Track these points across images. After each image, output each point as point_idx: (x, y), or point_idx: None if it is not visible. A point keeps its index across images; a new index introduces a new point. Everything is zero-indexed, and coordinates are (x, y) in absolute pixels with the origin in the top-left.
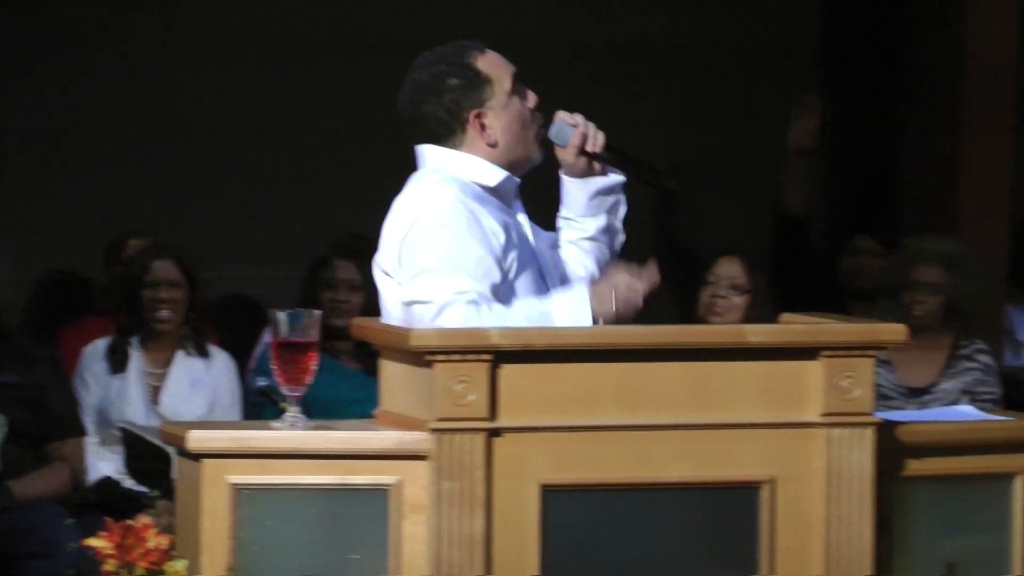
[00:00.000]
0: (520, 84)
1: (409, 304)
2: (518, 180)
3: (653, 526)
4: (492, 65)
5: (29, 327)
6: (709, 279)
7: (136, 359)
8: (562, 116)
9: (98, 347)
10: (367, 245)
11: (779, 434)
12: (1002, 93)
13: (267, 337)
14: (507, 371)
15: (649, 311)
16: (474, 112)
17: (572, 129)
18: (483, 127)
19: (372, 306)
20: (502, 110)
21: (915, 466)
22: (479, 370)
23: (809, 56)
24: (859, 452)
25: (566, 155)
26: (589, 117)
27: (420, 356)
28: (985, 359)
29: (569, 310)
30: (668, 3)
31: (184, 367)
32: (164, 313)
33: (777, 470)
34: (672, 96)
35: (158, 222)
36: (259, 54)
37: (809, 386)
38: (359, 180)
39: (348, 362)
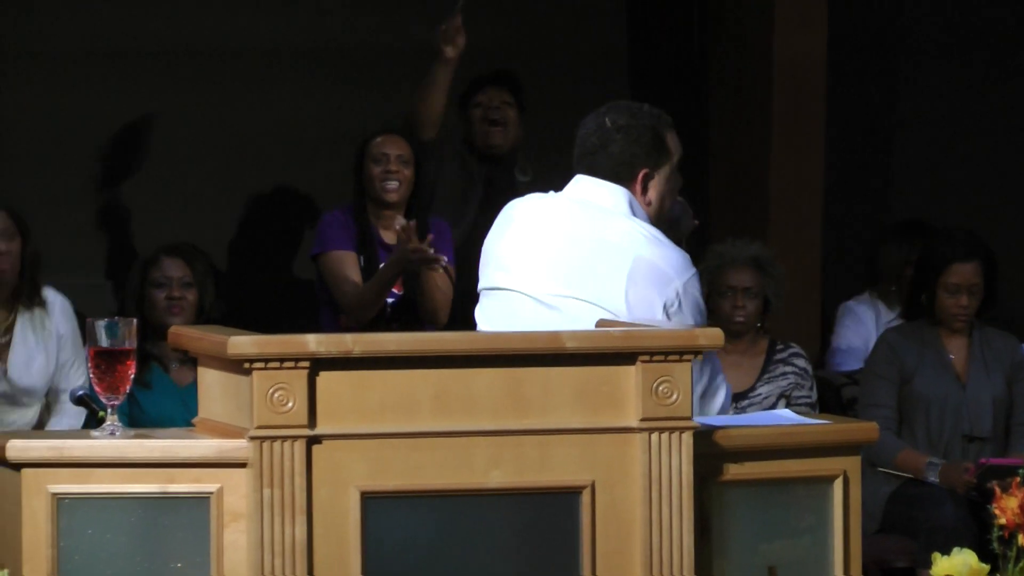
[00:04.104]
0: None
1: None
2: None
3: (474, 533)
4: (673, 142)
5: None
6: None
7: None
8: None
9: None
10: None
11: (597, 439)
12: (810, 101)
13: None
14: (325, 378)
15: None
16: (644, 171)
17: (690, 217)
18: (645, 187)
19: (207, 304)
20: (665, 180)
21: (734, 470)
22: (297, 377)
23: (618, 64)
24: (678, 457)
25: (680, 235)
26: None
27: (238, 364)
28: (801, 363)
29: None
30: (475, 11)
31: (26, 327)
32: (3, 264)
33: (596, 475)
34: None
35: None
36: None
37: (627, 391)
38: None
39: (179, 374)
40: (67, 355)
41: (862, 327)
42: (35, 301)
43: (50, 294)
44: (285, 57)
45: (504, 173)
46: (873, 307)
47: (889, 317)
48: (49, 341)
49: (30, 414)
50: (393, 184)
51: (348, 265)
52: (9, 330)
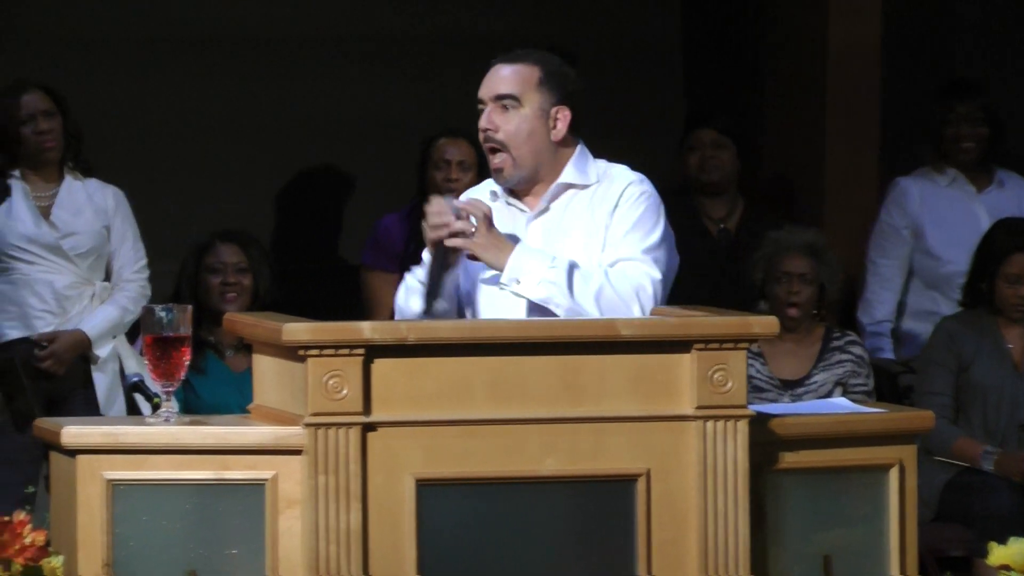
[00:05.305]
0: (482, 103)
1: None
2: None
3: (529, 519)
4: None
5: None
6: None
7: (20, 188)
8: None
9: None
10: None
11: (652, 427)
12: (865, 88)
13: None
14: (380, 365)
15: None
16: None
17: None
18: None
19: (262, 290)
20: None
21: (790, 459)
22: (352, 364)
23: (671, 53)
24: (733, 445)
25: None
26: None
27: (293, 351)
28: (857, 351)
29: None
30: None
31: (73, 187)
32: (48, 142)
33: (651, 463)
34: None
35: None
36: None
37: (682, 379)
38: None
39: (234, 360)
40: (119, 231)
41: (910, 204)
42: (82, 171)
43: (99, 181)
44: (334, 44)
45: None
46: (929, 181)
47: (946, 181)
48: (97, 203)
49: (87, 292)
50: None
51: (385, 291)
52: (55, 195)
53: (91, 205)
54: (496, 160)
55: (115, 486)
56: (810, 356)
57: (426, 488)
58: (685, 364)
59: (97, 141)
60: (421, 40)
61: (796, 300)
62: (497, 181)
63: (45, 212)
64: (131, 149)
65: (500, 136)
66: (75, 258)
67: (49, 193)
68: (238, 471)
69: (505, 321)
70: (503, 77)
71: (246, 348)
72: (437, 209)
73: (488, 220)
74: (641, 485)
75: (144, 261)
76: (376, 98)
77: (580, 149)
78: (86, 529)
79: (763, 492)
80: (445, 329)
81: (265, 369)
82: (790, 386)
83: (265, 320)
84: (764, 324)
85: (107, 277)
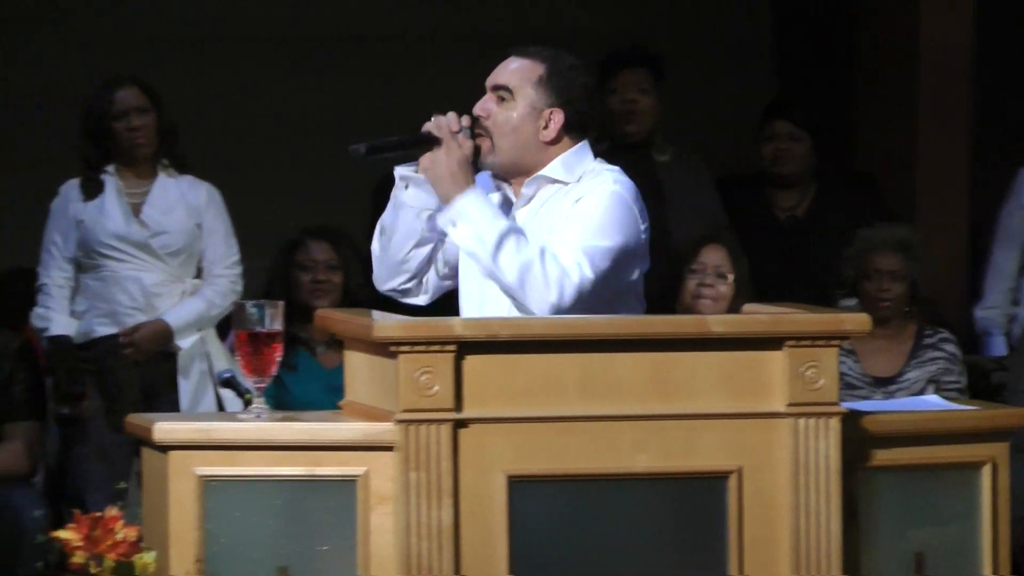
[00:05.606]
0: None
1: None
2: (488, 177)
3: (620, 517)
4: None
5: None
6: (694, 267)
7: (113, 184)
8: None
9: (72, 184)
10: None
11: (744, 424)
12: (956, 81)
13: None
14: (471, 362)
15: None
16: None
17: None
18: None
19: (353, 286)
20: None
21: (882, 456)
22: (443, 361)
23: (763, 46)
24: (825, 442)
25: None
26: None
27: (384, 347)
28: (951, 348)
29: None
30: None
31: (166, 184)
32: (140, 138)
33: (743, 460)
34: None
35: None
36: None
37: (774, 376)
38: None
39: (326, 357)
40: (210, 227)
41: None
42: (177, 168)
43: (195, 178)
44: (413, 41)
45: (641, 157)
46: None
47: None
48: (189, 200)
49: (176, 290)
50: None
51: None
52: (147, 192)
53: (183, 202)
54: (479, 141)
55: (207, 482)
56: (902, 353)
57: (518, 485)
58: (777, 361)
59: (193, 138)
60: (505, 40)
61: (886, 297)
62: (479, 163)
63: (136, 209)
64: (227, 146)
65: (487, 123)
66: (165, 256)
67: (142, 190)
68: (329, 467)
69: (597, 317)
70: (507, 69)
71: (337, 344)
72: (453, 118)
73: (464, 157)
74: (733, 482)
75: (236, 257)
76: (466, 96)
77: (578, 148)
78: (178, 525)
79: (855, 489)
80: (537, 325)
81: (356, 365)
82: (882, 383)
83: (356, 316)
84: (856, 321)
85: (199, 274)
